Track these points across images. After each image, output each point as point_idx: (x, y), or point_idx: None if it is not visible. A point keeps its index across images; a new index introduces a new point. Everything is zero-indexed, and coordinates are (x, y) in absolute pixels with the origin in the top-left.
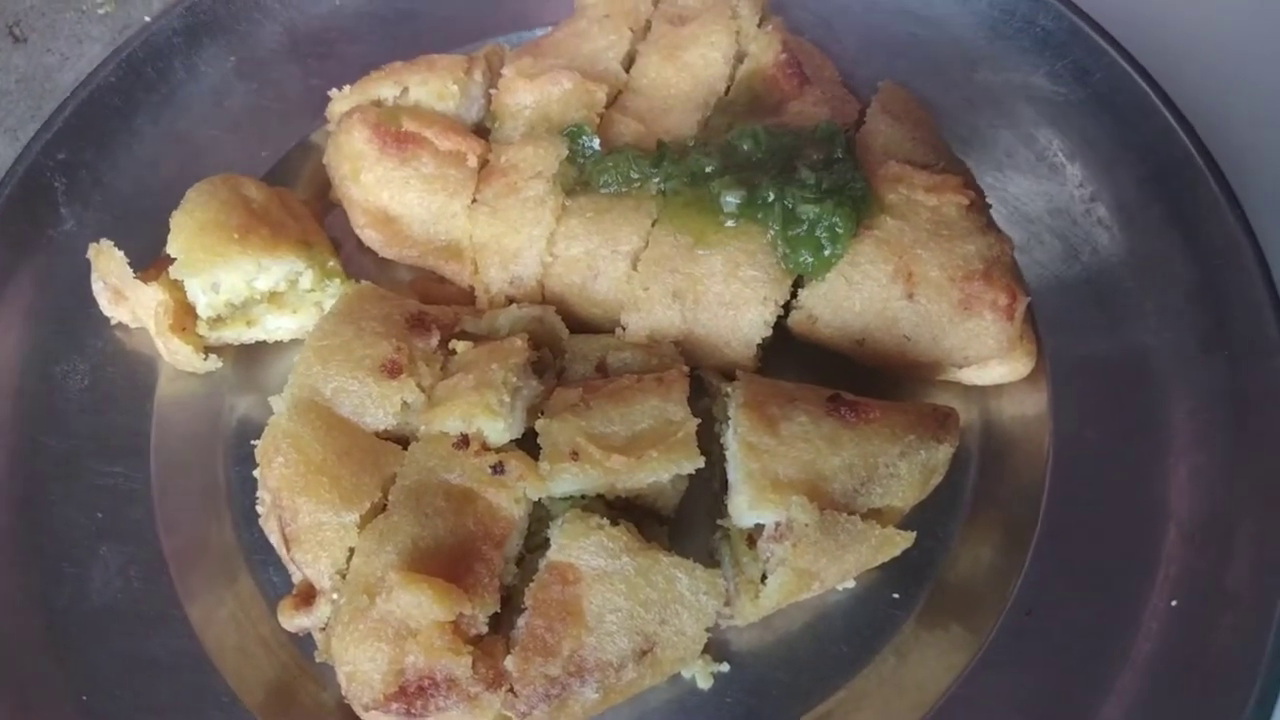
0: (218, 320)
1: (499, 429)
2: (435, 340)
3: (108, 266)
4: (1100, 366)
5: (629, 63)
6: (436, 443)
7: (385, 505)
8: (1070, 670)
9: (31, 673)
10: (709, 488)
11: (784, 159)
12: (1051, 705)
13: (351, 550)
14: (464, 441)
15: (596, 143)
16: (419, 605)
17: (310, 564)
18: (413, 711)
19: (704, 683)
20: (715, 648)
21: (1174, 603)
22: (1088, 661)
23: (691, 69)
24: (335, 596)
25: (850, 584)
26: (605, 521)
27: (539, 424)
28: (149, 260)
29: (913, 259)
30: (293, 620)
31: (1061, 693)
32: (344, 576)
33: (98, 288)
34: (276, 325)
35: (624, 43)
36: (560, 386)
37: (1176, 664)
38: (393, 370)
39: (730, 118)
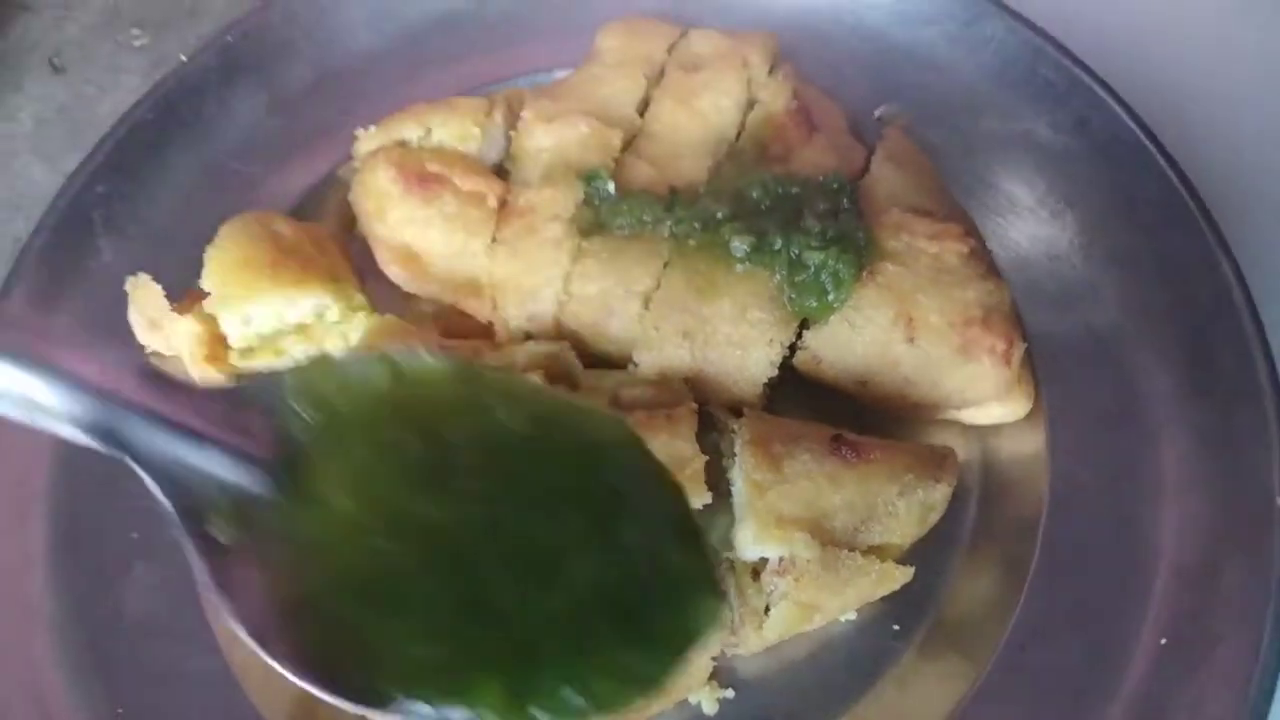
0: (248, 351)
1: None
2: None
3: (145, 300)
4: (1096, 409)
5: (643, 107)
6: None
7: None
8: (1062, 705)
9: (70, 687)
10: (715, 522)
11: (791, 207)
12: None
13: None
14: None
15: (612, 187)
16: None
17: None
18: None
19: (710, 708)
20: (722, 674)
21: (1163, 641)
22: (1079, 697)
23: (703, 115)
24: None
25: (852, 615)
26: None
27: None
28: (183, 289)
29: (913, 304)
30: None
31: None
32: None
33: (134, 319)
34: (304, 355)
35: (638, 89)
36: None
37: (1165, 701)
38: None
39: (740, 164)
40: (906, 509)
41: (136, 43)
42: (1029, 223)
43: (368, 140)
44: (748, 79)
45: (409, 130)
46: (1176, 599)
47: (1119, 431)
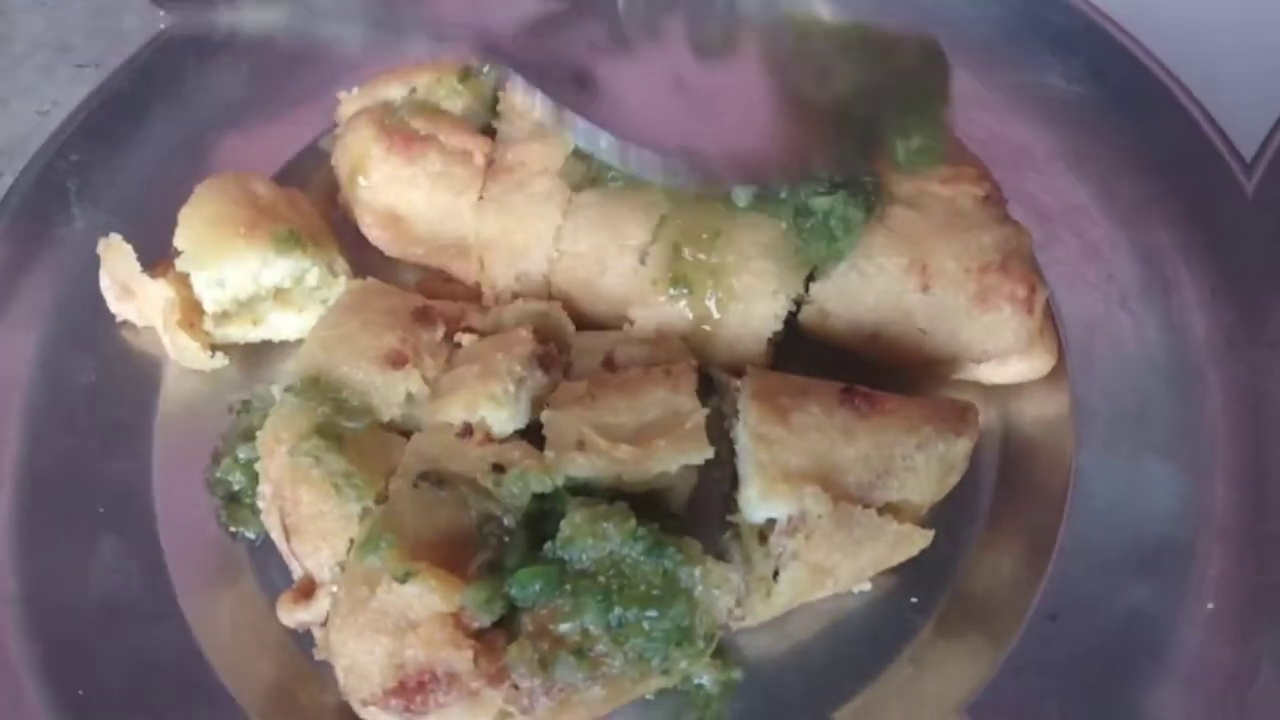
0: (224, 317)
1: (503, 418)
2: (440, 333)
3: (116, 261)
4: (1124, 364)
5: None
6: (440, 432)
7: (388, 495)
8: (1099, 678)
9: (29, 666)
10: (718, 488)
11: None
12: (1080, 715)
13: (353, 541)
14: (468, 431)
15: None
16: (420, 596)
17: (310, 554)
18: (412, 708)
19: (714, 687)
20: (726, 653)
21: (1210, 606)
22: (1118, 669)
23: None
24: (335, 589)
25: (866, 586)
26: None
27: (544, 415)
28: (159, 259)
29: (927, 251)
30: (292, 615)
31: (1091, 702)
32: (344, 568)
33: (105, 284)
34: (282, 324)
35: None
36: (566, 380)
37: (1214, 673)
38: (397, 361)
39: None
40: (926, 464)
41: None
42: (1043, 175)
43: (350, 102)
44: None
45: (393, 90)
46: (1222, 562)
47: (1149, 389)
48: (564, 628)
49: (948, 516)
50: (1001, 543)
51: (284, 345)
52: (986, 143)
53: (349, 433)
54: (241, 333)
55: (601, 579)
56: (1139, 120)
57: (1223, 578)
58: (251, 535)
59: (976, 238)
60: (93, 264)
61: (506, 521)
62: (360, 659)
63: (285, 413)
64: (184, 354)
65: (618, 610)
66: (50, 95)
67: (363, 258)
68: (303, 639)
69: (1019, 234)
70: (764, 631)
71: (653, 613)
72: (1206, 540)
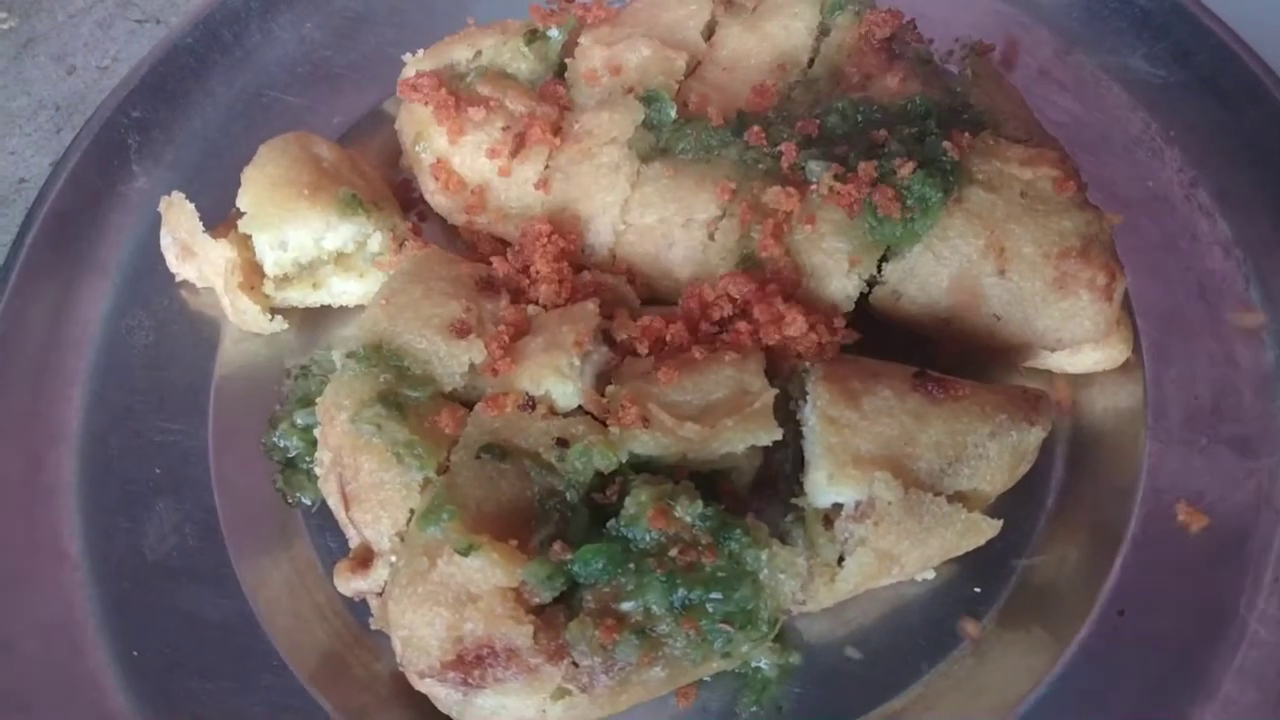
0: (284, 280)
1: (568, 392)
2: (505, 302)
3: (178, 220)
4: (1200, 358)
5: (709, 33)
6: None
7: (449, 466)
8: (1167, 675)
9: (83, 625)
10: (781, 469)
11: (872, 133)
12: (1145, 712)
13: (413, 511)
14: (531, 404)
15: (673, 110)
16: (482, 569)
17: (370, 524)
18: (470, 681)
19: (772, 670)
20: (784, 637)
21: None
22: (1186, 666)
23: (773, 40)
24: (394, 559)
25: (930, 575)
26: (678, 489)
27: (609, 390)
28: (218, 221)
29: (1005, 234)
30: (349, 584)
31: (1157, 699)
32: (404, 539)
33: (166, 243)
34: (343, 289)
35: (704, 12)
36: (631, 355)
37: None
38: (461, 330)
39: (814, 93)
40: (998, 452)
41: None
42: (1124, 161)
43: (415, 65)
44: (821, 3)
45: (459, 53)
46: None
47: (1227, 382)
48: (626, 606)
49: (1013, 505)
50: (1068, 534)
51: (343, 311)
52: (1066, 125)
53: (411, 401)
54: (301, 296)
55: (666, 558)
56: (1224, 106)
57: None
58: (308, 501)
59: (1056, 222)
60: (153, 222)
61: (569, 497)
62: (419, 630)
63: (347, 379)
64: (243, 316)
65: (681, 591)
66: (110, 51)
67: (425, 226)
68: (358, 607)
69: (1099, 219)
70: (823, 616)
71: (717, 595)
72: None
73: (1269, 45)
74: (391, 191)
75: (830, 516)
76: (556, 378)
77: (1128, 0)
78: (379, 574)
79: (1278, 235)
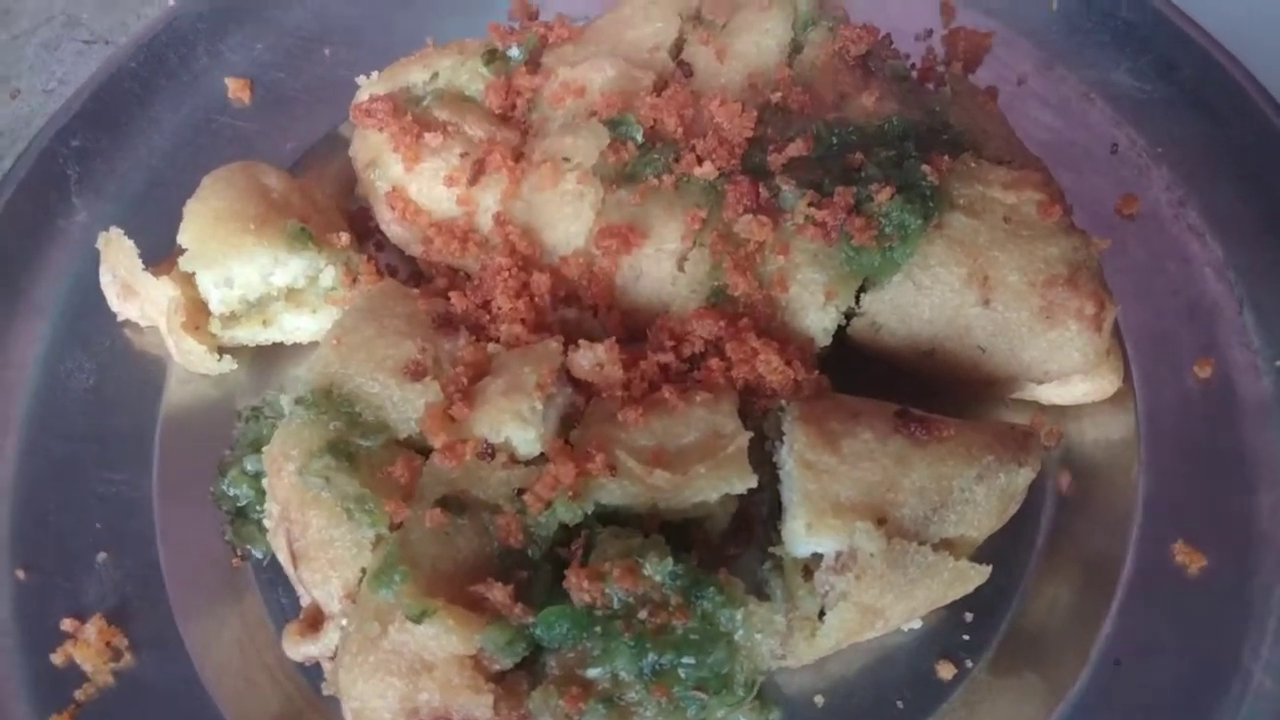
0: (231, 318)
1: (529, 439)
2: (463, 341)
3: (117, 257)
4: (1193, 387)
5: (677, 51)
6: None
7: (404, 522)
8: None
9: (13, 696)
10: (758, 513)
11: (848, 155)
12: None
13: (365, 570)
14: (490, 452)
15: (639, 133)
16: (436, 637)
17: (319, 585)
18: None
19: None
20: (763, 691)
21: None
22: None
23: (744, 58)
24: (345, 622)
25: (916, 624)
26: (647, 544)
27: (573, 435)
28: (164, 256)
29: (989, 261)
30: (299, 648)
31: None
32: (355, 601)
33: (106, 280)
34: (295, 325)
35: (671, 29)
36: (598, 396)
37: None
38: (416, 372)
39: (786, 112)
40: (986, 496)
41: None
42: (1109, 180)
43: (370, 88)
44: (794, 19)
45: (415, 75)
46: None
47: (1223, 413)
48: (592, 673)
49: (1003, 546)
50: (1060, 575)
51: (296, 348)
52: (1050, 144)
53: (362, 451)
54: (251, 335)
55: (635, 620)
56: (1212, 121)
57: None
58: (259, 554)
59: (1042, 248)
60: (94, 259)
61: (531, 553)
62: (371, 702)
63: (294, 427)
64: (189, 357)
65: (651, 656)
66: (56, 73)
67: (383, 257)
68: (311, 670)
69: (1087, 244)
70: (804, 669)
71: (690, 659)
72: None
73: (1256, 57)
74: (347, 221)
75: (810, 566)
76: (517, 423)
77: (1110, 13)
78: (330, 638)
79: (1272, 255)
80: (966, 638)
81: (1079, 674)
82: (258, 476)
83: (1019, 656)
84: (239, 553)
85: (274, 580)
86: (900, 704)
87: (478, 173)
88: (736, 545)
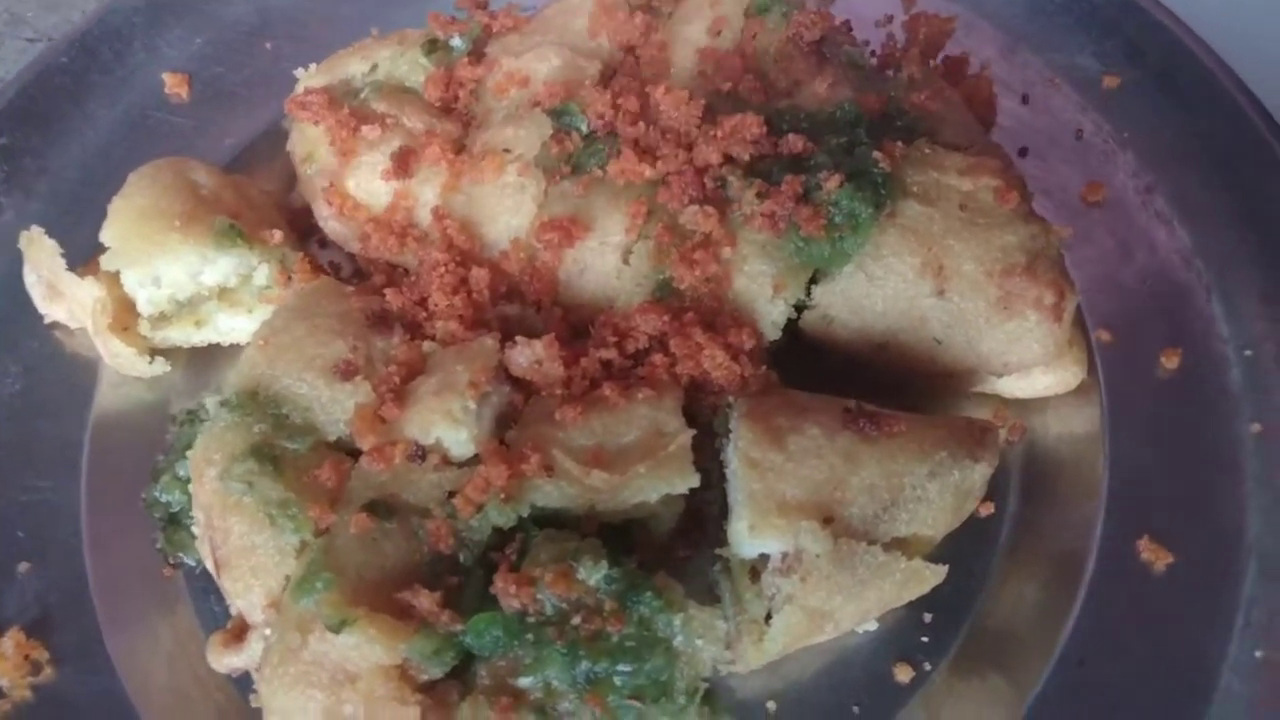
0: (162, 319)
1: (461, 440)
2: (397, 339)
3: (39, 257)
4: (1161, 378)
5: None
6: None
7: (329, 527)
8: None
9: None
10: (708, 514)
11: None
12: None
13: (288, 578)
14: (421, 454)
15: (584, 123)
16: (359, 646)
17: (242, 594)
18: None
19: None
20: (714, 698)
21: (1258, 654)
22: None
23: (694, 44)
24: (268, 632)
25: (872, 625)
26: (581, 548)
27: (509, 435)
28: (98, 255)
29: (943, 250)
30: (222, 659)
31: None
32: (278, 609)
33: (30, 281)
34: (230, 326)
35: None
36: (537, 395)
37: None
38: (347, 372)
39: (738, 99)
40: (939, 493)
41: None
42: (1074, 167)
43: (307, 80)
44: (746, 4)
45: (353, 67)
46: (1272, 603)
47: (1190, 404)
48: (524, 682)
49: (963, 543)
50: (1023, 572)
51: (235, 349)
52: (1012, 131)
53: (289, 454)
54: (184, 336)
55: (568, 627)
56: (1180, 106)
57: (1272, 622)
58: (191, 562)
59: (998, 237)
60: (20, 260)
61: (463, 558)
62: (292, 715)
63: (218, 430)
64: (118, 360)
65: (585, 663)
66: None
67: (323, 255)
68: (243, 682)
69: (1046, 232)
70: (757, 673)
71: (625, 666)
72: (1255, 578)
73: (1223, 41)
74: (288, 218)
75: (757, 568)
76: (448, 423)
77: None
78: (254, 649)
79: (1241, 244)
80: (925, 639)
81: (1041, 674)
82: (190, 483)
83: (980, 657)
84: (171, 561)
85: (207, 589)
86: (856, 709)
87: (404, 163)
88: (687, 547)
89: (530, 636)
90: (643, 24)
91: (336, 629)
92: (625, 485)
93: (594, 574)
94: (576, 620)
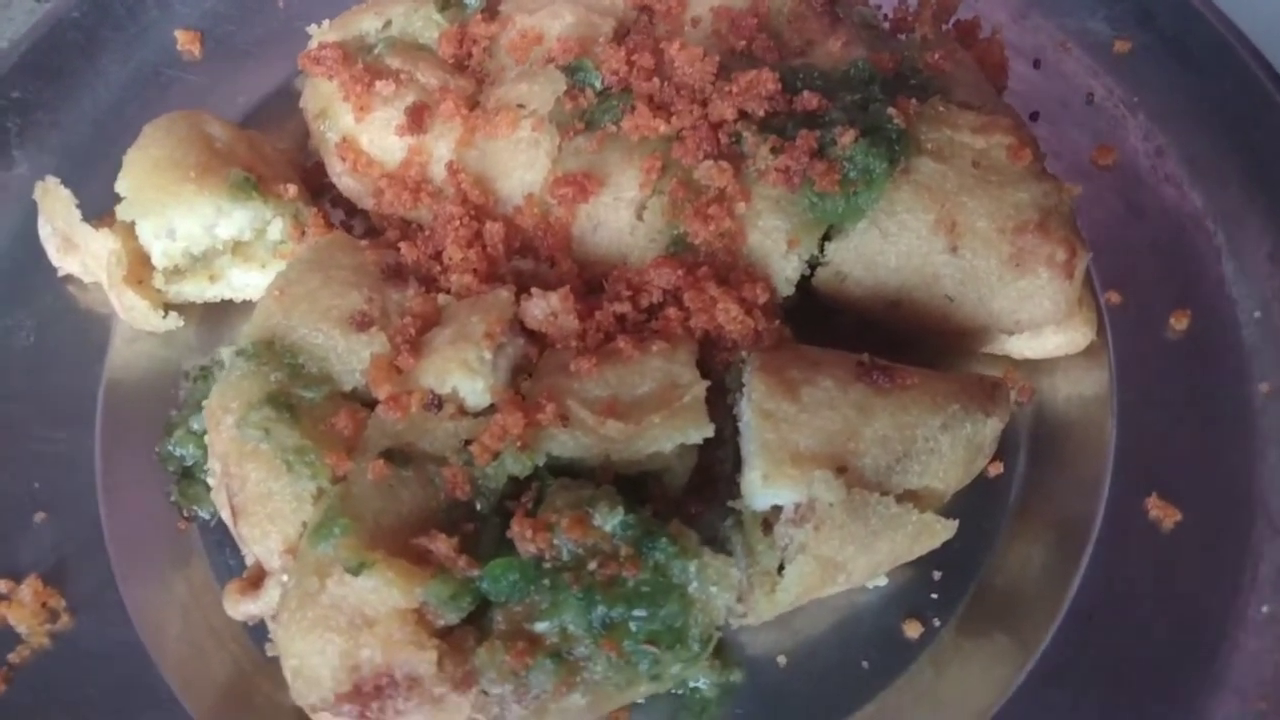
0: (176, 272)
1: (477, 389)
2: (412, 291)
3: (54, 208)
4: (1170, 339)
5: None
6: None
7: (346, 474)
8: (1139, 688)
9: None
10: (720, 469)
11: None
12: None
13: (305, 525)
14: (437, 403)
15: (598, 79)
16: (376, 590)
17: (259, 540)
18: (367, 715)
19: (711, 690)
20: (726, 652)
21: (1265, 609)
22: (1161, 677)
23: (707, 3)
24: (285, 578)
25: (882, 581)
26: (597, 495)
27: (524, 386)
28: (109, 210)
29: (957, 207)
30: (239, 606)
31: (1128, 713)
32: (295, 555)
33: (45, 233)
34: (244, 281)
35: None
36: (551, 347)
37: (1271, 684)
38: (362, 323)
39: (752, 57)
40: (951, 446)
41: None
42: (1085, 130)
43: (321, 36)
44: None
45: (367, 23)
46: (1278, 559)
47: (1199, 365)
48: (540, 627)
49: (972, 503)
50: (1031, 532)
51: (248, 306)
52: (1023, 94)
53: (305, 403)
54: (198, 290)
55: (584, 573)
56: (1190, 69)
57: (1278, 578)
58: (205, 515)
59: (1011, 194)
60: (34, 213)
61: (479, 506)
62: (310, 659)
63: (234, 379)
64: (132, 313)
65: (601, 609)
66: (7, 33)
67: (339, 210)
68: (258, 633)
69: (1059, 190)
70: (766, 628)
71: (641, 612)
72: (1263, 534)
73: (1234, 4)
74: (301, 175)
75: (770, 520)
76: (464, 373)
77: None
78: (271, 595)
79: (1251, 205)
80: (934, 596)
81: (1049, 632)
82: (204, 436)
83: (988, 615)
84: (185, 514)
85: (221, 542)
86: (865, 664)
87: (418, 118)
88: (699, 503)
89: (546, 582)
90: None
91: (355, 571)
92: (640, 435)
93: (610, 520)
94: (592, 566)
